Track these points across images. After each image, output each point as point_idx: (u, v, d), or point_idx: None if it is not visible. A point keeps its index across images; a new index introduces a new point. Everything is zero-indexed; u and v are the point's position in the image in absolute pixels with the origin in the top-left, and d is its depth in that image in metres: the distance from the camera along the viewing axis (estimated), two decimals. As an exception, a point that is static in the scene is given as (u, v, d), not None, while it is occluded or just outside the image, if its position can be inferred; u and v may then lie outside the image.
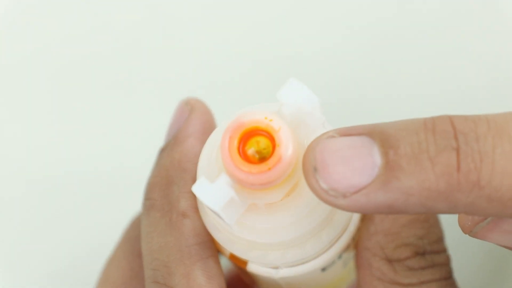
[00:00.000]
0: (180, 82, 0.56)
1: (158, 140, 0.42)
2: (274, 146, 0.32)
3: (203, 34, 0.56)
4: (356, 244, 0.40)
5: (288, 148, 0.32)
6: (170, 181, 0.38)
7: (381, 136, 0.30)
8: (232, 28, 0.56)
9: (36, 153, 0.55)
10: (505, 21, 0.52)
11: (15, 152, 0.56)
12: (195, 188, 0.32)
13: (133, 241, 0.43)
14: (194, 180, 0.38)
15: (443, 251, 0.40)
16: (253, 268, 0.37)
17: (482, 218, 0.34)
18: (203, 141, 0.38)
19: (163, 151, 0.39)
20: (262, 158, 0.32)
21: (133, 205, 0.49)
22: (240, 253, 0.36)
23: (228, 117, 0.35)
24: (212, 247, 0.38)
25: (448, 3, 0.53)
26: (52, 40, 0.57)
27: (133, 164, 0.54)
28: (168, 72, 0.56)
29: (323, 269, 0.38)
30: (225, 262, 0.42)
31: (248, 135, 0.32)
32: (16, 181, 0.55)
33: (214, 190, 0.32)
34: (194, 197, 0.37)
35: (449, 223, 0.45)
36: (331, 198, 0.30)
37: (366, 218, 0.39)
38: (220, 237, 0.36)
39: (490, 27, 0.52)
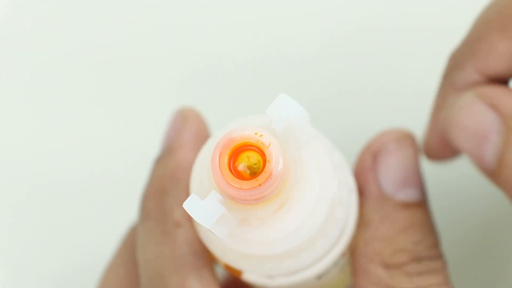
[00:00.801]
0: (177, 91, 0.56)
1: (156, 150, 0.42)
2: (264, 161, 0.32)
3: (199, 42, 0.56)
4: (353, 250, 0.40)
5: (279, 163, 0.32)
6: (164, 191, 0.38)
7: None
8: (225, 37, 0.56)
9: (36, 159, 0.55)
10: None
11: (16, 157, 0.56)
12: (186, 206, 0.32)
13: (131, 248, 0.43)
14: (187, 190, 0.38)
15: (439, 256, 0.40)
16: (248, 277, 0.38)
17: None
18: (196, 151, 0.38)
19: (157, 161, 0.39)
20: (253, 173, 0.32)
21: (132, 212, 0.49)
22: (234, 264, 0.36)
23: (218, 130, 0.35)
24: (207, 256, 0.38)
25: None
26: (53, 46, 0.57)
27: (132, 171, 0.54)
28: (165, 81, 0.56)
29: (319, 277, 0.38)
30: (220, 271, 0.42)
31: (238, 150, 0.32)
32: (16, 186, 0.55)
33: (205, 207, 0.32)
34: (188, 207, 0.38)
35: (446, 227, 0.45)
36: None
37: (362, 225, 0.39)
38: (214, 248, 0.36)
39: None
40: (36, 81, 0.57)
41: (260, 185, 0.31)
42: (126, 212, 0.51)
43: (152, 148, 0.46)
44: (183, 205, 0.32)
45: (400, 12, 0.54)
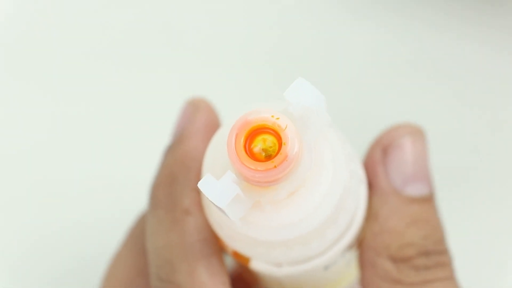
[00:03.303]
0: (187, 82, 0.56)
1: (166, 140, 0.42)
2: (280, 144, 0.32)
3: (209, 32, 0.56)
4: (360, 243, 0.40)
5: (295, 146, 0.32)
6: (174, 179, 0.38)
7: None
8: (237, 26, 0.56)
9: (40, 153, 0.56)
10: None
11: (18, 153, 0.56)
12: (201, 185, 0.32)
13: (138, 238, 0.43)
14: (197, 178, 0.38)
15: (446, 251, 0.40)
16: (256, 265, 0.38)
17: None
18: (207, 140, 0.38)
19: (168, 150, 0.40)
20: (269, 155, 0.32)
21: (139, 202, 0.49)
22: (243, 250, 0.36)
23: (234, 115, 0.35)
24: (216, 244, 0.38)
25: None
26: (54, 45, 0.57)
27: (140, 162, 0.54)
28: (175, 71, 0.56)
29: (326, 268, 0.38)
30: (229, 262, 0.42)
31: (255, 133, 0.32)
32: (16, 185, 0.55)
33: (219, 187, 0.32)
34: (197, 194, 0.38)
35: (450, 223, 0.45)
36: None
37: (370, 218, 0.40)
38: (223, 234, 0.36)
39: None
40: (36, 80, 0.57)
41: (275, 167, 0.32)
42: (132, 206, 0.51)
43: (160, 142, 0.46)
44: (198, 185, 0.32)
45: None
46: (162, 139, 0.45)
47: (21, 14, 0.57)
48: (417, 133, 0.41)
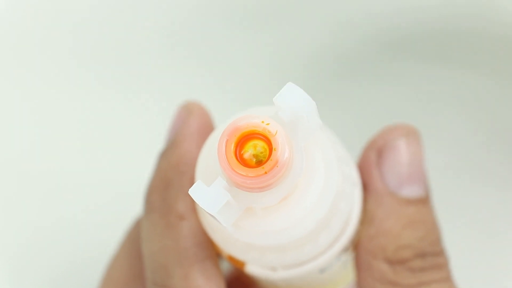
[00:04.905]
0: (181, 86, 0.56)
1: (161, 144, 0.42)
2: (271, 149, 0.32)
3: (207, 35, 0.56)
4: (356, 246, 0.40)
5: (285, 152, 0.32)
6: (168, 184, 0.38)
7: None
8: (231, 31, 0.56)
9: (39, 154, 0.56)
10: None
11: (17, 155, 0.56)
12: (192, 192, 0.32)
13: (135, 242, 0.43)
14: (191, 182, 0.38)
15: (442, 252, 0.40)
16: (251, 269, 0.38)
17: None
18: (200, 144, 0.38)
19: (162, 154, 0.40)
20: (259, 161, 0.32)
21: (136, 206, 0.49)
22: (238, 255, 0.36)
23: (225, 121, 0.35)
24: (210, 248, 0.38)
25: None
26: (53, 46, 0.57)
27: (137, 166, 0.54)
28: (169, 76, 0.56)
29: (321, 271, 0.38)
30: (226, 264, 0.42)
31: (245, 138, 0.32)
32: (18, 182, 0.55)
33: (210, 193, 0.32)
34: (192, 199, 0.38)
35: (446, 223, 0.45)
36: None
37: (366, 221, 0.40)
38: (217, 239, 0.36)
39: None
40: (36, 78, 0.57)
41: (266, 173, 0.31)
42: (129, 210, 0.51)
43: (155, 144, 0.46)
44: (189, 191, 0.32)
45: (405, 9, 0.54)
46: (160, 142, 0.45)
47: (17, 15, 0.57)
48: (412, 134, 0.41)
